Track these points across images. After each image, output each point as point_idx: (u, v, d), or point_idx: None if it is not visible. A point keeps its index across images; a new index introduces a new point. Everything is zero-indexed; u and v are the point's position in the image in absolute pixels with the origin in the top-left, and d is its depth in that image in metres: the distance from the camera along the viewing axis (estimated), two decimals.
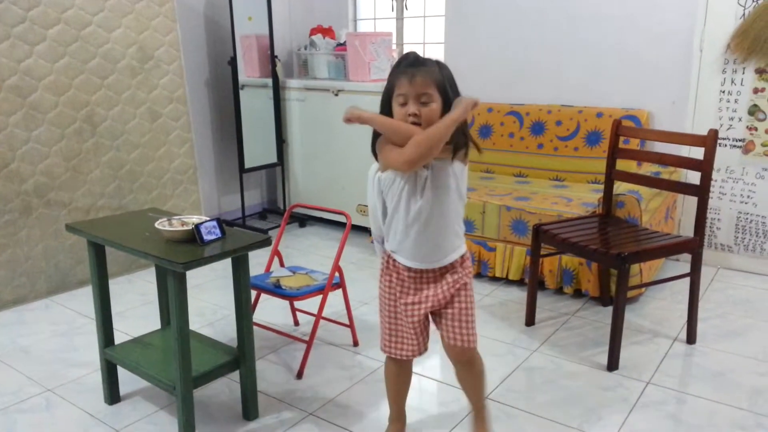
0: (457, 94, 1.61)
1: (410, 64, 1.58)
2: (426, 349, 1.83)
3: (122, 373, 2.18)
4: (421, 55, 1.62)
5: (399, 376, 1.89)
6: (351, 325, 2.58)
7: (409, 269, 1.72)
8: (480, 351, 1.82)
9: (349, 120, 1.61)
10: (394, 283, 1.75)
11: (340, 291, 2.49)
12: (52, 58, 3.03)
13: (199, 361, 1.98)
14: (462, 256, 1.74)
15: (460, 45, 4.08)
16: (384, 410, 2.08)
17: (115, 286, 3.21)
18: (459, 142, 1.60)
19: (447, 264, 1.71)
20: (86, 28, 3.15)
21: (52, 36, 3.02)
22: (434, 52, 4.40)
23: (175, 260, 1.71)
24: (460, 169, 1.66)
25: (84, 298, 3.08)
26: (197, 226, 1.84)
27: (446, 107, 1.57)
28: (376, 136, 1.66)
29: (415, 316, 1.74)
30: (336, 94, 3.90)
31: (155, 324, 2.42)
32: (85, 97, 3.18)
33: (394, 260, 1.73)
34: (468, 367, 1.84)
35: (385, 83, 1.65)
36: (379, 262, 1.81)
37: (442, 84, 1.57)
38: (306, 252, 3.77)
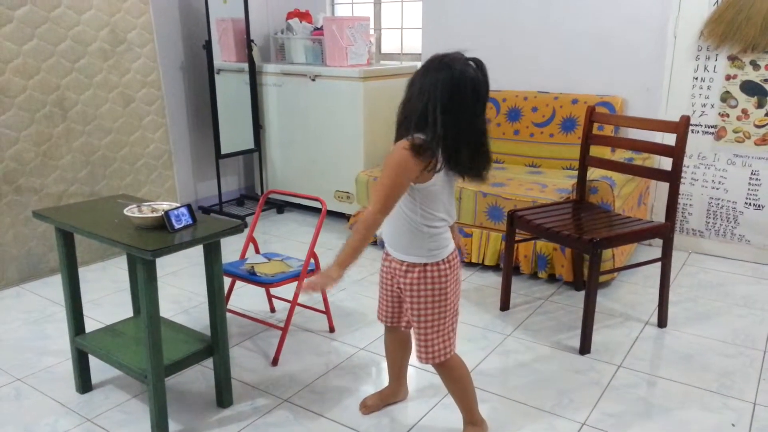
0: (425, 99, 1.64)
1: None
2: (395, 324, 1.90)
3: (95, 361, 2.15)
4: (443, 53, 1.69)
5: (388, 342, 2.00)
6: (327, 312, 2.58)
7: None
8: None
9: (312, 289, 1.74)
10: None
11: None
12: (20, 40, 2.96)
13: (172, 349, 1.97)
14: (408, 266, 1.74)
15: (437, 30, 4.06)
16: (360, 396, 2.11)
17: (89, 273, 3.18)
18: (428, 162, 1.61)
19: (394, 258, 1.80)
20: (55, 9, 3.07)
21: (19, 17, 2.94)
22: (412, 37, 4.38)
23: (144, 248, 1.68)
24: (428, 186, 1.66)
25: (56, 285, 3.03)
26: (167, 213, 1.81)
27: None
28: (399, 136, 1.67)
29: (387, 285, 1.88)
30: (313, 79, 3.87)
31: (129, 312, 2.39)
32: (55, 80, 3.11)
33: None
34: (439, 373, 1.85)
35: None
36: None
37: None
38: (284, 238, 3.75)
